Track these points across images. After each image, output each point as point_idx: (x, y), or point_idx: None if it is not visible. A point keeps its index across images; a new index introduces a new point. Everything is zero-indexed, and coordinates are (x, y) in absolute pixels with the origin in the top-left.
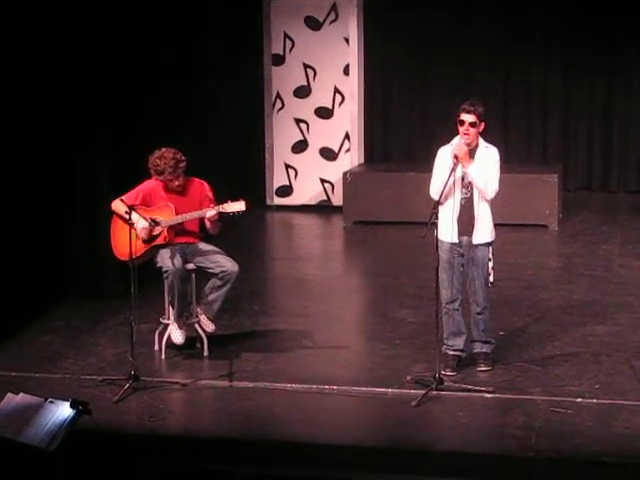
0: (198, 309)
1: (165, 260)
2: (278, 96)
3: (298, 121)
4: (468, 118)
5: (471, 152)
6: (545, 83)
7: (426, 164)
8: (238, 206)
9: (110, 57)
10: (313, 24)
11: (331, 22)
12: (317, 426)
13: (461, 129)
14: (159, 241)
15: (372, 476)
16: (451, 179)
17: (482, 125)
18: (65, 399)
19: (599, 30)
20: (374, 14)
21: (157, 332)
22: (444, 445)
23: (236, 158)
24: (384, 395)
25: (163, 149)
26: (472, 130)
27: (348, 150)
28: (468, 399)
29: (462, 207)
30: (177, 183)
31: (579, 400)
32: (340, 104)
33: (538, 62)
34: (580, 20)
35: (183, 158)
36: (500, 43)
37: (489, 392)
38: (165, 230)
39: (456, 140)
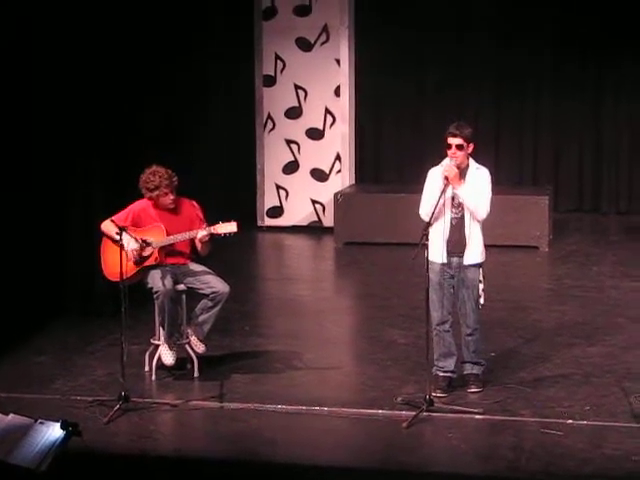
0: (189, 330)
1: (156, 281)
2: (269, 117)
3: (289, 142)
4: (454, 141)
5: (462, 173)
6: (536, 105)
7: (417, 185)
8: (230, 227)
9: (98, 76)
10: (304, 45)
11: (322, 43)
12: (307, 447)
13: (449, 152)
14: (150, 262)
15: None
16: (441, 200)
17: (471, 146)
18: (55, 420)
19: (589, 51)
20: (365, 35)
21: (148, 353)
22: (435, 466)
23: (227, 179)
24: (375, 416)
25: (153, 167)
26: (460, 153)
27: (339, 171)
28: (459, 420)
29: (452, 227)
30: (172, 198)
31: (570, 422)
32: (331, 125)
33: (529, 84)
34: (570, 42)
35: (174, 174)
36: (491, 65)
37: (480, 413)
38: (156, 251)
39: (446, 161)
